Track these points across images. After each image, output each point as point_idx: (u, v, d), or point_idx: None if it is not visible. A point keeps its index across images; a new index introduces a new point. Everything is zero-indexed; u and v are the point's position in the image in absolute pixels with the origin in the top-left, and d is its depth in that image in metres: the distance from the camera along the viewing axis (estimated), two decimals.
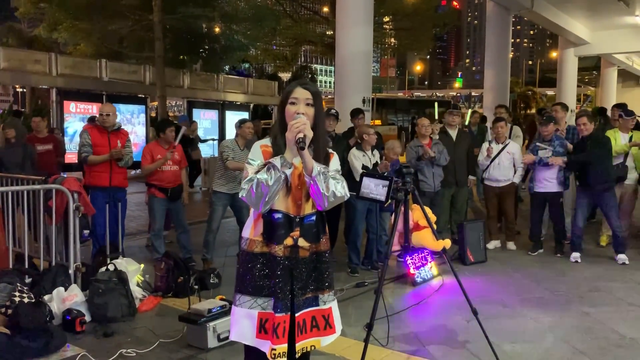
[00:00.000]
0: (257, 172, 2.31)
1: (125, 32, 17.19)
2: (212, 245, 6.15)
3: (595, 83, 38.54)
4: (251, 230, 2.44)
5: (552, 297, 5.24)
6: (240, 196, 2.35)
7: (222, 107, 20.29)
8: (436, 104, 7.00)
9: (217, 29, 20.07)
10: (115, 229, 5.95)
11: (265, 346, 2.39)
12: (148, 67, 17.99)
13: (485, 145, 7.03)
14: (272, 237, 2.40)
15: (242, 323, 2.43)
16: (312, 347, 2.48)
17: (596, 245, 7.15)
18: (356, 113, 7.12)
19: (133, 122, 16.42)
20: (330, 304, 2.54)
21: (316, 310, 2.48)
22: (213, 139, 15.85)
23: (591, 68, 33.30)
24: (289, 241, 2.41)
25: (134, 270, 5.11)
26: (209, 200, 6.19)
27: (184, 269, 5.36)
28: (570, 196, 7.11)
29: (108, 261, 5.09)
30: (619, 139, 6.74)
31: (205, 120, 19.26)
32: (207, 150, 15.71)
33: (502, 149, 6.86)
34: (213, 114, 19.85)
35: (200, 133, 15.96)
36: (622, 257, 6.31)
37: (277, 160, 2.28)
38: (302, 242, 2.43)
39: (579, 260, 6.36)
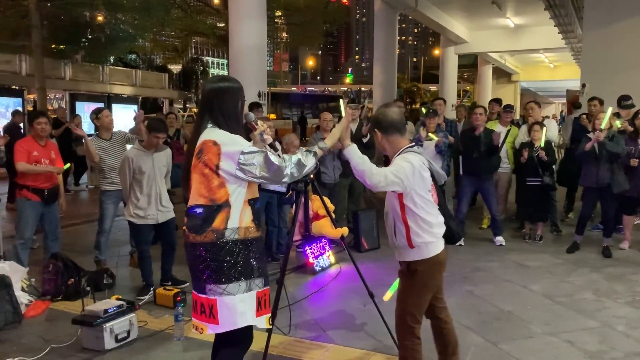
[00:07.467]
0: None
1: None
2: (104, 246, 5.86)
3: (473, 80, 41.44)
4: (239, 219, 2.56)
5: None
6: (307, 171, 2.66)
7: (109, 99, 19.29)
8: (341, 100, 7.39)
9: (100, 18, 18.98)
10: None
11: (262, 321, 2.63)
12: (24, 57, 16.67)
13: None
14: (259, 222, 2.69)
15: (241, 308, 2.54)
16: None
17: (477, 229, 7.75)
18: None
19: (8, 117, 15.11)
20: None
21: None
22: None
23: (469, 65, 35.76)
24: None
25: (18, 275, 4.78)
26: (98, 198, 5.82)
27: (74, 271, 5.10)
28: (451, 184, 7.64)
29: None
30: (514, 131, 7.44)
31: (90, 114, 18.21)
32: None
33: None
34: None
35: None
36: (499, 239, 6.93)
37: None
38: None
39: (462, 244, 6.86)
